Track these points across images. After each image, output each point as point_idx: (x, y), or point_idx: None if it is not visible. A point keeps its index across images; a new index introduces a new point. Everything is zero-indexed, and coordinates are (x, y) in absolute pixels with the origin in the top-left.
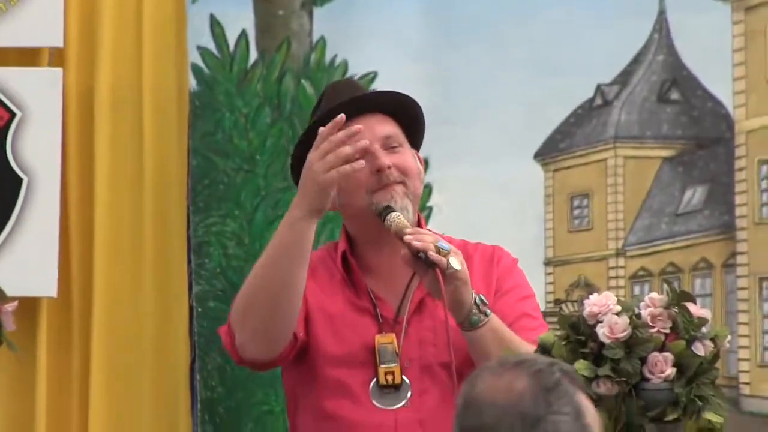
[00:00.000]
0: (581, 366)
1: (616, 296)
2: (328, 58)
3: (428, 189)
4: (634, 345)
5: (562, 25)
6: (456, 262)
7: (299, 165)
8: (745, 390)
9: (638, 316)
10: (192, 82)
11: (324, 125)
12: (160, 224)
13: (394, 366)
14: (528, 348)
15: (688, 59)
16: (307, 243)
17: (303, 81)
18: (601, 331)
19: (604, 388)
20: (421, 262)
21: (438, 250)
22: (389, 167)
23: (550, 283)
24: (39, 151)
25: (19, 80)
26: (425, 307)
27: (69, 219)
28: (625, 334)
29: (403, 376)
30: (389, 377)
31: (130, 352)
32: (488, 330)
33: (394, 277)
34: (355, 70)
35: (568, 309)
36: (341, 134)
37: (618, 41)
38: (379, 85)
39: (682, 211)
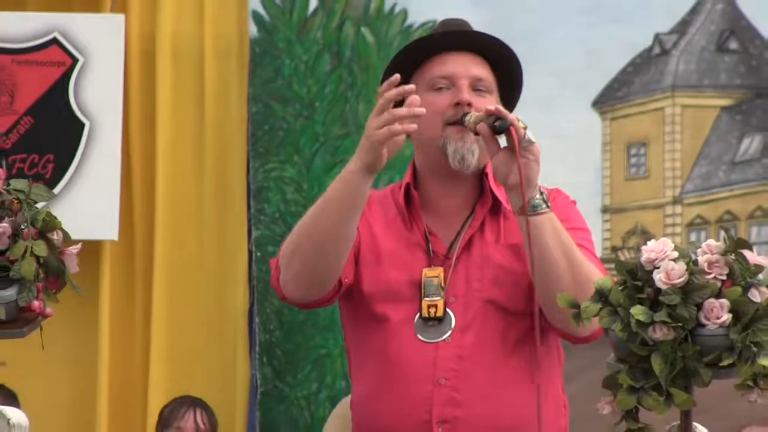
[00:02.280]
0: (638, 311)
1: (673, 243)
2: (387, 6)
3: None
4: (691, 291)
5: None
6: (533, 136)
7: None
8: None
9: (695, 262)
10: (252, 29)
11: (413, 51)
12: (221, 169)
13: (438, 299)
14: (590, 264)
15: (747, 9)
16: (357, 197)
17: (362, 29)
18: (658, 277)
19: (660, 333)
20: (497, 133)
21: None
22: (469, 104)
23: (607, 230)
24: (101, 97)
25: (81, 26)
26: (474, 244)
27: (131, 164)
28: (681, 280)
29: (447, 309)
30: (432, 310)
31: (190, 294)
32: (548, 220)
33: (451, 215)
34: (415, 18)
35: (624, 256)
36: (394, 92)
37: None
38: None
39: (740, 160)
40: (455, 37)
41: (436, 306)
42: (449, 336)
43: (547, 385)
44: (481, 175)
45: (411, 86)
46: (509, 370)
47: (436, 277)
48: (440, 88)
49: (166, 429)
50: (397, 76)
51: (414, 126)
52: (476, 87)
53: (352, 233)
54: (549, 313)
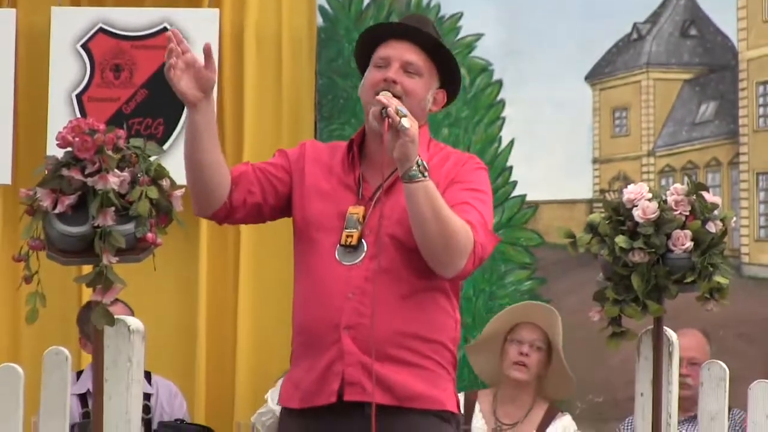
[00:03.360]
0: (620, 240)
1: (648, 187)
2: (424, 1)
3: (502, 104)
4: (662, 224)
5: None
6: (407, 122)
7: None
8: (745, 259)
9: (665, 201)
10: (319, 20)
11: (373, 32)
12: (295, 130)
13: (354, 231)
14: (458, 222)
15: (704, 3)
16: (192, 127)
17: None
18: (636, 213)
19: (638, 257)
20: (382, 118)
21: (397, 111)
22: (394, 81)
23: (597, 177)
24: None
25: (185, 18)
26: (394, 190)
27: (224, 125)
28: (654, 215)
29: (363, 240)
30: (349, 239)
31: (270, 226)
32: (422, 187)
33: (383, 166)
34: (445, 11)
35: (610, 197)
36: (170, 45)
37: None
38: (464, 23)
39: (698, 121)
40: (398, 28)
41: (352, 236)
42: (361, 261)
43: (432, 305)
44: None
45: (172, 31)
46: (403, 290)
47: (357, 213)
48: (380, 67)
49: None
50: (170, 32)
51: (171, 60)
52: (406, 69)
53: (207, 158)
54: (424, 256)
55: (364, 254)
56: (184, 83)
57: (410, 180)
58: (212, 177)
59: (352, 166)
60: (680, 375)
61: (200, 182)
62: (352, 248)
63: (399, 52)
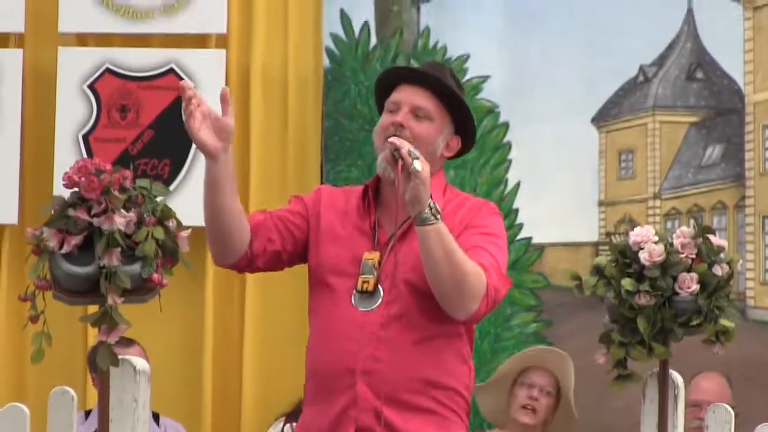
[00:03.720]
0: (627, 282)
1: (654, 229)
2: (431, 43)
3: (508, 146)
4: (668, 267)
5: (614, 18)
6: (419, 165)
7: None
8: (751, 303)
9: (671, 244)
10: (325, 61)
11: (387, 76)
12: (301, 171)
13: (370, 277)
14: (471, 265)
15: (710, 47)
16: (211, 177)
17: (412, 61)
18: (643, 256)
19: (644, 299)
20: (396, 159)
21: (409, 153)
22: (401, 125)
23: (602, 219)
24: None
25: (192, 59)
26: (409, 236)
27: None
28: (661, 258)
29: (379, 286)
30: (365, 285)
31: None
32: (434, 230)
33: (398, 211)
34: (452, 53)
35: (616, 239)
36: (184, 96)
37: (656, 32)
38: (470, 65)
39: (704, 164)
40: (409, 73)
41: (368, 282)
42: (377, 307)
43: (447, 352)
44: None
45: (183, 83)
46: (417, 335)
47: (372, 259)
48: (391, 111)
49: None
50: (182, 83)
51: (190, 109)
52: (416, 113)
53: (228, 208)
54: (437, 299)
55: (380, 300)
56: (203, 133)
57: (422, 223)
58: (234, 226)
59: (368, 211)
60: (699, 418)
61: (221, 231)
62: (369, 294)
63: (409, 97)
